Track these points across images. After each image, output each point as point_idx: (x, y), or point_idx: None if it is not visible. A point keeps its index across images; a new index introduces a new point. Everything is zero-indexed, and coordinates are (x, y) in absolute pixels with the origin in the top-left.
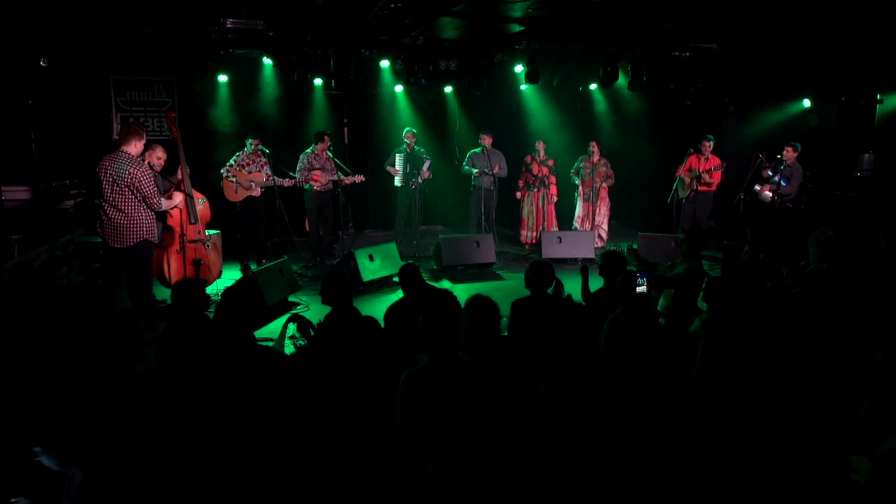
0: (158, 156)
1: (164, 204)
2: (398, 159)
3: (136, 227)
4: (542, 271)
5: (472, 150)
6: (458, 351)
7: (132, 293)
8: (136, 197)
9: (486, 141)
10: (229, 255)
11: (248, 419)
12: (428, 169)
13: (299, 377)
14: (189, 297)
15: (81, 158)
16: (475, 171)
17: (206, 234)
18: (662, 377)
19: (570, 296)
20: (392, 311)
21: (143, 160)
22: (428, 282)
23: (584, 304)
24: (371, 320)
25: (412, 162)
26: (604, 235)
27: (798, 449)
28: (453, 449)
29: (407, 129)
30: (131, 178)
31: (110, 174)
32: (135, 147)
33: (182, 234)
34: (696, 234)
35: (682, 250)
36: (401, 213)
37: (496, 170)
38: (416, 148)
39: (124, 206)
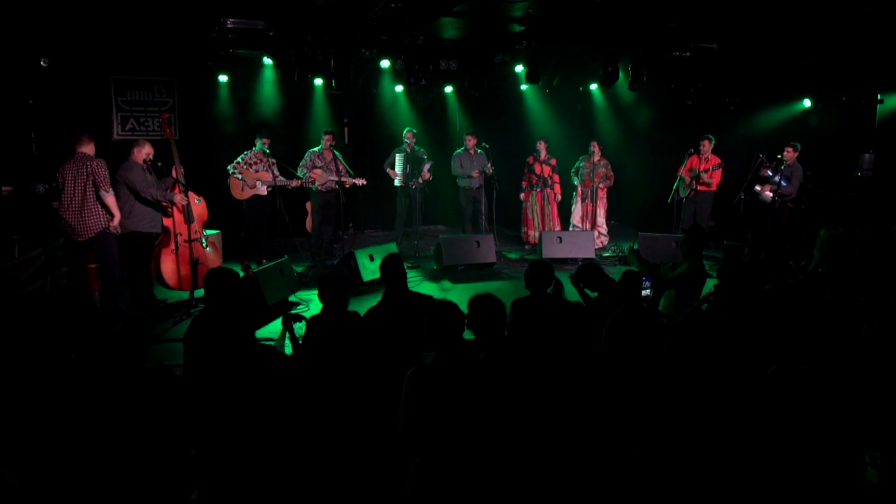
0: (147, 151)
1: (108, 198)
2: (398, 160)
3: (97, 218)
4: (541, 271)
5: (456, 151)
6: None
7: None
8: (91, 191)
9: (470, 142)
10: (231, 255)
11: (251, 418)
12: (429, 170)
13: (297, 376)
14: (219, 286)
15: None
16: (473, 172)
17: (205, 233)
18: (663, 377)
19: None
20: (370, 316)
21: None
22: (426, 281)
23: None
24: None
25: (412, 162)
26: (604, 236)
27: (805, 446)
28: (436, 456)
29: (407, 129)
30: (91, 171)
31: (72, 174)
32: (89, 148)
33: (178, 234)
34: (697, 235)
35: (683, 251)
36: (401, 213)
37: (475, 174)
38: (416, 148)
39: (83, 201)
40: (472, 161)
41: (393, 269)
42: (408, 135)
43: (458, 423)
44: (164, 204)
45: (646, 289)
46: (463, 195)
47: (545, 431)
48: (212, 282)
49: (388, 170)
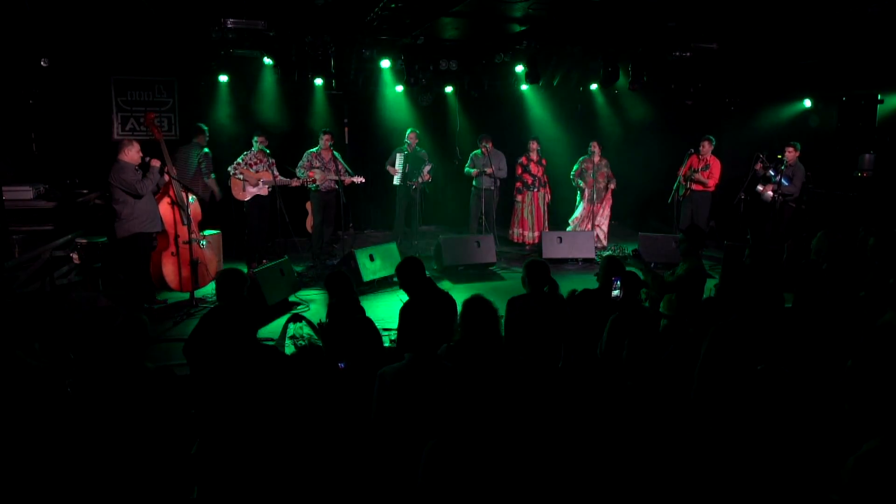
0: (138, 151)
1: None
2: (398, 159)
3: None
4: (537, 271)
5: (474, 152)
6: (446, 352)
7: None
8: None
9: (487, 143)
10: (232, 255)
11: (253, 417)
12: (428, 172)
13: (301, 375)
14: (230, 285)
15: (82, 158)
16: (473, 171)
17: (201, 233)
18: (663, 379)
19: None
20: (404, 312)
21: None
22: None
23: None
24: (368, 321)
25: (412, 162)
26: (602, 237)
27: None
28: (446, 441)
29: (410, 129)
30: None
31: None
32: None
33: (176, 237)
34: (695, 234)
35: (682, 250)
36: (399, 213)
37: (489, 171)
38: (418, 149)
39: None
40: (487, 161)
41: (412, 273)
42: (410, 135)
43: (424, 420)
44: (164, 194)
45: (616, 289)
46: (475, 195)
47: (540, 431)
48: (223, 282)
49: (388, 167)
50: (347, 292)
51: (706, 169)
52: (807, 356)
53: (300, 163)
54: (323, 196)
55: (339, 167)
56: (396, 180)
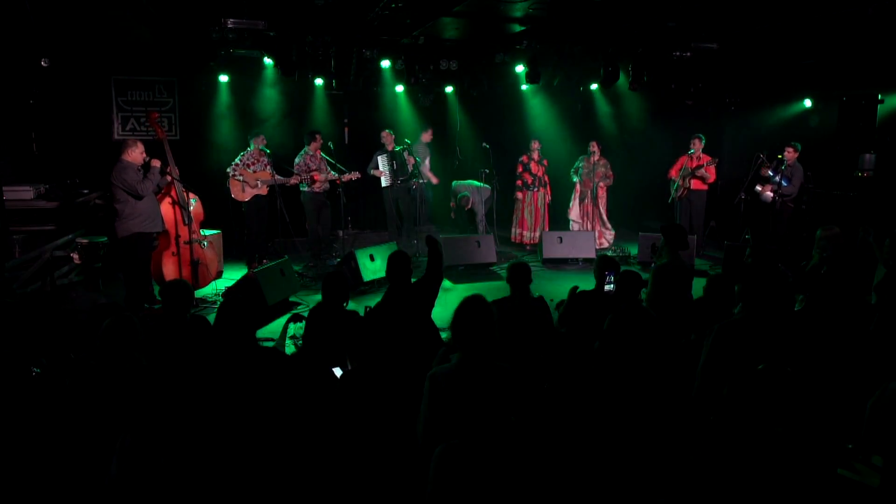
0: (142, 151)
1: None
2: (381, 161)
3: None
4: (520, 272)
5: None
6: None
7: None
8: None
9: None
10: (232, 256)
11: (251, 420)
12: (410, 154)
13: (299, 377)
14: (176, 297)
15: (83, 158)
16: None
17: (202, 233)
18: (663, 377)
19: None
20: (372, 314)
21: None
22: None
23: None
24: (355, 315)
25: (396, 160)
26: (609, 232)
27: (800, 452)
28: (458, 445)
29: (385, 130)
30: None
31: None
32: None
33: (177, 237)
34: (671, 232)
35: (660, 247)
36: (390, 213)
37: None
38: (398, 147)
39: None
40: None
41: (399, 266)
42: (384, 135)
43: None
44: (166, 194)
45: (609, 283)
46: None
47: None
48: (169, 294)
49: (373, 171)
50: (338, 294)
51: (712, 164)
52: (813, 356)
53: (298, 170)
54: (318, 197)
55: (325, 166)
56: (384, 181)
